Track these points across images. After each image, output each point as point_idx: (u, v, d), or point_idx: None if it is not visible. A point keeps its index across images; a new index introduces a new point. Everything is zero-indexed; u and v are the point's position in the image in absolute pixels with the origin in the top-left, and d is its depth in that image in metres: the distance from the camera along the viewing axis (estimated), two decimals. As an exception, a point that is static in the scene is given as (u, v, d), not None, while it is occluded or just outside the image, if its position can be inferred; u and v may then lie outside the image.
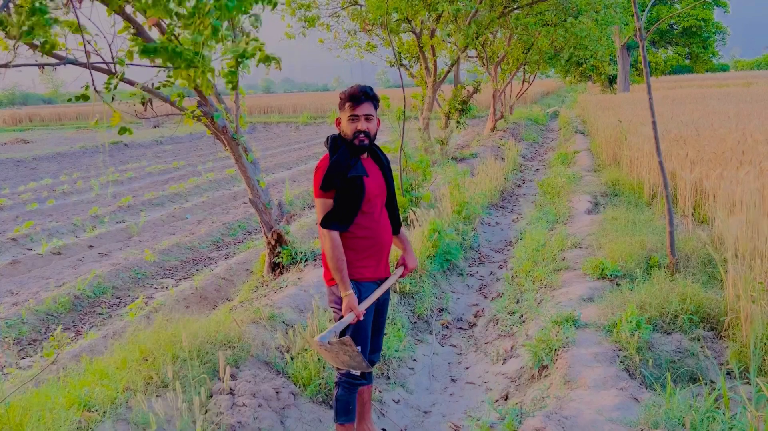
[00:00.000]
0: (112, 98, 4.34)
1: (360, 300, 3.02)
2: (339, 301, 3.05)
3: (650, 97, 5.11)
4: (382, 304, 3.31)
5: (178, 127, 30.06)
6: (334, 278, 3.05)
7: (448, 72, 13.38)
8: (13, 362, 5.11)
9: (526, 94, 27.63)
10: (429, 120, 12.99)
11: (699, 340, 3.88)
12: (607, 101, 23.33)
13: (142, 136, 26.45)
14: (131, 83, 4.57)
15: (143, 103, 4.58)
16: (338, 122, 3.11)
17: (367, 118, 3.03)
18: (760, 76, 50.63)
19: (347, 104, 3.04)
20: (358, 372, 3.09)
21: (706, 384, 3.44)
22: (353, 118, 3.02)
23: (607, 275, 5.11)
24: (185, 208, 11.48)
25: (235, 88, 4.63)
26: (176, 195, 12.65)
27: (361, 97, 3.02)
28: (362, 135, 3.02)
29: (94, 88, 3.56)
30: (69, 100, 3.59)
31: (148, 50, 2.94)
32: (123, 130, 3.37)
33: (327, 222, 3.01)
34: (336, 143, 3.08)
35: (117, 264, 7.67)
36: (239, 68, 3.91)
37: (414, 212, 6.84)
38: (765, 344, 3.51)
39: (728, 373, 3.61)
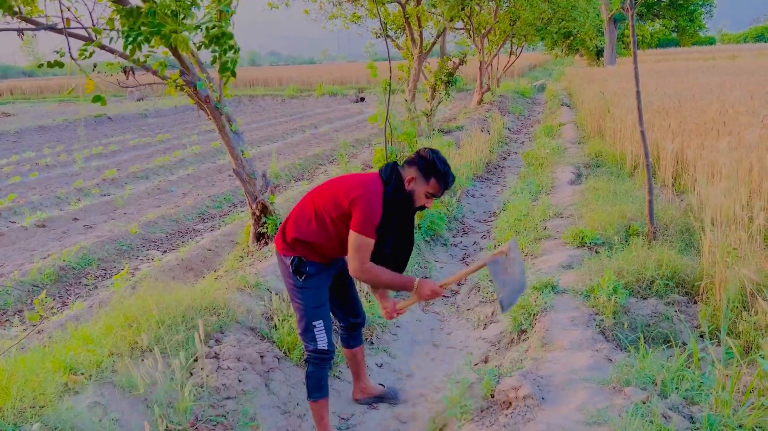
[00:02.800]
0: (94, 67, 4.31)
1: (310, 274, 3.07)
2: (290, 272, 3.07)
3: (635, 66, 5.15)
4: (340, 274, 3.32)
5: (160, 99, 29.75)
6: (401, 286, 3.10)
7: (434, 43, 13.28)
8: (-1, 331, 5.14)
9: (513, 67, 27.57)
10: (415, 92, 12.94)
11: (674, 304, 3.99)
12: (594, 74, 23.35)
13: (126, 110, 26.13)
14: (112, 51, 4.53)
15: (125, 72, 4.55)
16: (412, 180, 3.00)
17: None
18: (746, 50, 50.77)
19: (437, 185, 3.02)
20: (326, 347, 3.12)
21: (678, 346, 3.55)
22: (431, 196, 3.06)
23: (586, 243, 5.19)
24: (170, 180, 11.43)
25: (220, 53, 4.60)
26: (161, 168, 12.59)
27: (449, 187, 3.10)
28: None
29: (71, 56, 3.54)
30: (40, 66, 3.55)
31: (130, 13, 2.92)
32: (97, 98, 3.35)
33: (364, 260, 2.97)
34: (398, 192, 3.00)
35: (102, 236, 7.67)
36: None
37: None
38: (736, 307, 3.62)
39: (700, 336, 3.72)
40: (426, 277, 3.36)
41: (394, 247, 3.11)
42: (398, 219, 3.07)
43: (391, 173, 3.01)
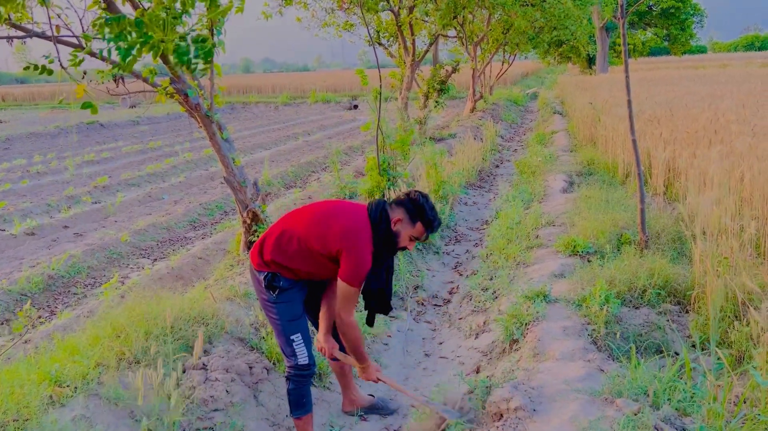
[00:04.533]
0: (84, 74, 4.28)
1: (284, 288, 3.05)
2: (263, 287, 3.05)
3: (627, 75, 5.16)
4: (317, 284, 3.31)
5: (153, 106, 29.67)
6: (357, 355, 3.19)
7: (427, 51, 13.34)
8: (-15, 341, 5.07)
9: (505, 75, 27.66)
10: (408, 100, 12.97)
11: (666, 314, 3.98)
12: (586, 82, 23.47)
13: (119, 117, 26.05)
14: (103, 59, 4.50)
15: (115, 79, 4.52)
16: (399, 221, 3.04)
17: None
18: (736, 58, 51.23)
19: (422, 229, 3.07)
20: (306, 362, 3.10)
21: (670, 356, 3.53)
22: (414, 239, 3.10)
23: (578, 252, 5.18)
24: (162, 188, 11.37)
25: (209, 61, 4.58)
26: (153, 175, 12.53)
27: (435, 233, 3.15)
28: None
29: (60, 64, 3.50)
30: (26, 68, 3.51)
31: (115, 21, 2.89)
32: (86, 105, 3.32)
33: (352, 312, 3.04)
34: (383, 231, 3.02)
35: (92, 245, 7.60)
36: (214, 38, 3.87)
37: (392, 191, 6.86)
38: (726, 316, 3.62)
39: (692, 346, 3.71)
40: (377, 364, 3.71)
41: (382, 285, 3.17)
42: (386, 257, 3.10)
43: (380, 215, 3.02)
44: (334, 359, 3.44)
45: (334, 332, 3.36)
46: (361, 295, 3.19)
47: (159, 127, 24.02)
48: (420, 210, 3.03)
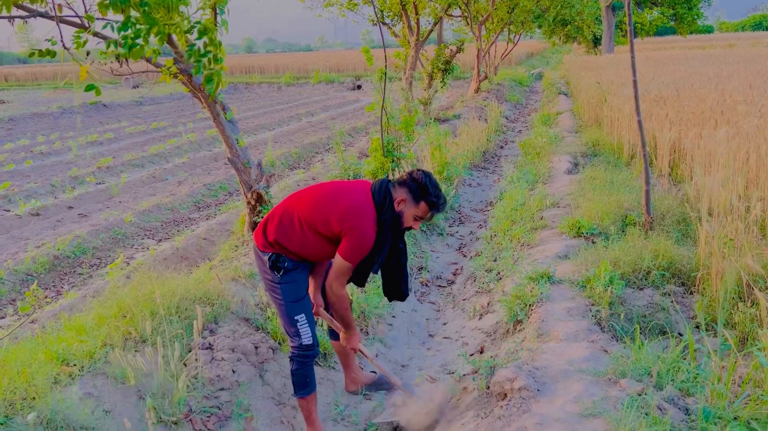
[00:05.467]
0: (87, 54, 4.25)
1: (288, 269, 3.06)
2: (267, 268, 3.06)
3: (632, 55, 5.10)
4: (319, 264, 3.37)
5: (156, 86, 29.54)
6: (344, 323, 3.25)
7: (431, 31, 13.22)
8: (-8, 321, 5.11)
9: (510, 55, 27.45)
10: (412, 80, 12.88)
11: (670, 295, 3.98)
12: (591, 62, 23.24)
13: (122, 97, 25.97)
14: (105, 38, 4.47)
15: (118, 59, 4.49)
16: (402, 201, 3.04)
17: None
18: (743, 38, 50.62)
19: (426, 208, 3.06)
20: (310, 342, 3.12)
21: (674, 337, 3.54)
22: (419, 219, 3.09)
23: (583, 233, 5.17)
24: (166, 169, 11.37)
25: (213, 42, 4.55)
26: (157, 156, 12.52)
27: (440, 212, 3.13)
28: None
29: (63, 45, 3.48)
30: (32, 55, 3.48)
31: (119, 1, 2.87)
32: (90, 87, 3.30)
33: (344, 284, 3.09)
34: (387, 211, 3.02)
35: (97, 225, 7.62)
36: (217, 18, 3.84)
37: (396, 171, 6.84)
38: (732, 298, 3.61)
39: (696, 327, 3.71)
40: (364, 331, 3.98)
41: (386, 267, 3.20)
42: (392, 239, 3.12)
43: (384, 195, 3.02)
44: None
45: (323, 290, 3.36)
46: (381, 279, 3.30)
47: (162, 107, 23.95)
48: (423, 189, 3.01)
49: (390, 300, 3.42)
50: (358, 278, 3.25)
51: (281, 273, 3.04)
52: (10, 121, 19.35)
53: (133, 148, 13.63)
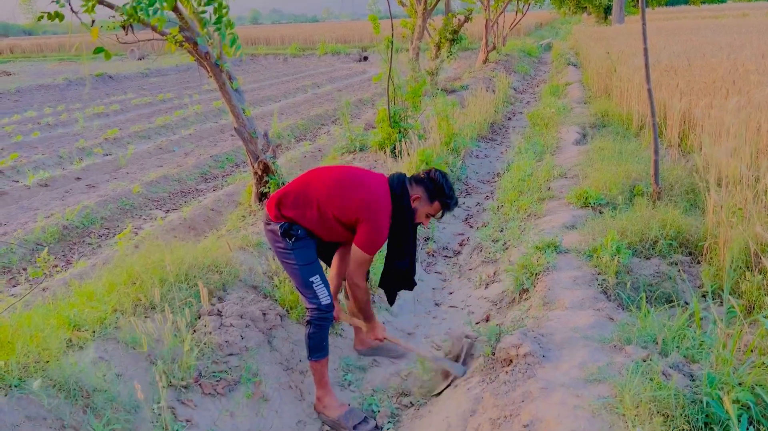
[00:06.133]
0: (92, 22, 4.23)
1: (300, 236, 3.10)
2: (279, 236, 3.09)
3: (644, 22, 5.01)
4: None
5: (161, 58, 29.38)
6: (365, 315, 3.34)
7: (439, 0, 13.01)
8: (2, 289, 5.18)
9: (519, 25, 27.05)
10: (419, 50, 12.73)
11: (677, 264, 3.98)
12: (601, 33, 22.90)
13: (128, 69, 25.87)
14: (111, 6, 4.44)
15: (123, 27, 4.46)
16: (417, 199, 3.16)
17: None
18: (757, 8, 49.64)
19: (440, 206, 3.19)
20: (329, 301, 3.16)
21: (680, 306, 3.55)
22: (430, 216, 3.23)
23: (590, 204, 5.16)
24: (172, 140, 11.37)
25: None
26: (163, 127, 12.51)
27: (451, 212, 3.29)
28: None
29: (71, 8, 3.46)
30: (40, 18, 3.47)
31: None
32: (98, 50, 3.29)
33: (364, 275, 3.17)
34: (404, 207, 3.12)
35: (105, 196, 7.66)
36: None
37: (403, 142, 6.82)
38: (739, 267, 3.61)
39: (703, 296, 3.72)
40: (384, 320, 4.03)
41: (405, 263, 3.33)
42: (412, 230, 3.22)
43: (402, 191, 3.12)
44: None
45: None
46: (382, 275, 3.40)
47: (168, 79, 23.85)
48: (439, 190, 3.15)
49: (392, 294, 3.52)
50: (405, 283, 3.42)
51: (293, 240, 3.09)
52: (17, 92, 19.34)
53: (139, 120, 13.61)
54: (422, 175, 3.19)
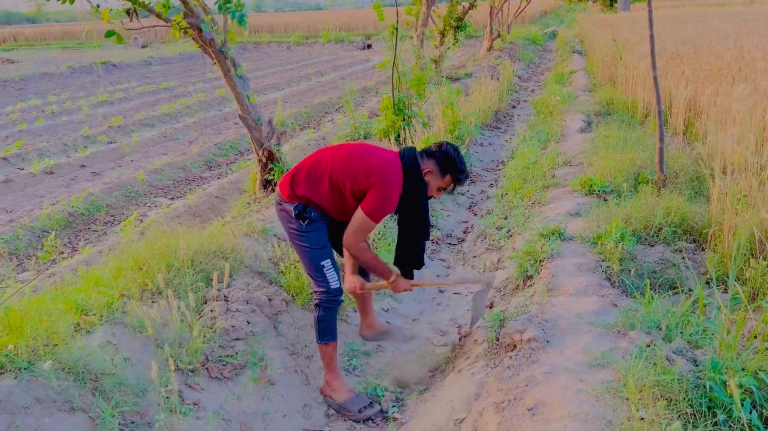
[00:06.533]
0: (97, 7, 4.23)
1: (313, 219, 3.13)
2: (292, 217, 3.11)
3: (650, 9, 4.98)
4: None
5: (164, 46, 29.30)
6: (380, 273, 3.29)
7: (444, -13, 12.94)
8: (10, 275, 5.21)
9: (524, 13, 26.90)
10: (423, 38, 12.67)
11: (681, 251, 3.98)
12: (606, 20, 22.76)
13: (131, 57, 25.82)
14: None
15: (128, 13, 4.46)
16: (429, 173, 3.15)
17: None
18: (765, -4, 49.12)
19: (452, 180, 3.19)
20: (338, 285, 3.20)
21: (684, 293, 3.56)
22: (441, 190, 3.23)
23: (595, 191, 5.16)
24: (176, 128, 11.38)
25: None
26: (167, 115, 12.50)
27: (462, 185, 3.31)
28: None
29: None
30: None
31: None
32: (110, 33, 3.30)
33: (362, 240, 3.14)
34: (416, 178, 3.12)
35: (110, 183, 7.69)
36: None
37: (407, 130, 6.82)
38: (743, 254, 3.61)
39: (707, 283, 3.72)
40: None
41: (416, 239, 3.33)
42: (424, 203, 3.21)
43: (413, 162, 3.10)
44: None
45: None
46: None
47: (171, 67, 23.80)
48: (451, 163, 3.14)
49: (403, 269, 3.47)
50: (413, 261, 3.40)
51: (306, 223, 3.10)
52: (21, 80, 19.34)
53: (143, 108, 13.61)
54: (434, 149, 3.17)
